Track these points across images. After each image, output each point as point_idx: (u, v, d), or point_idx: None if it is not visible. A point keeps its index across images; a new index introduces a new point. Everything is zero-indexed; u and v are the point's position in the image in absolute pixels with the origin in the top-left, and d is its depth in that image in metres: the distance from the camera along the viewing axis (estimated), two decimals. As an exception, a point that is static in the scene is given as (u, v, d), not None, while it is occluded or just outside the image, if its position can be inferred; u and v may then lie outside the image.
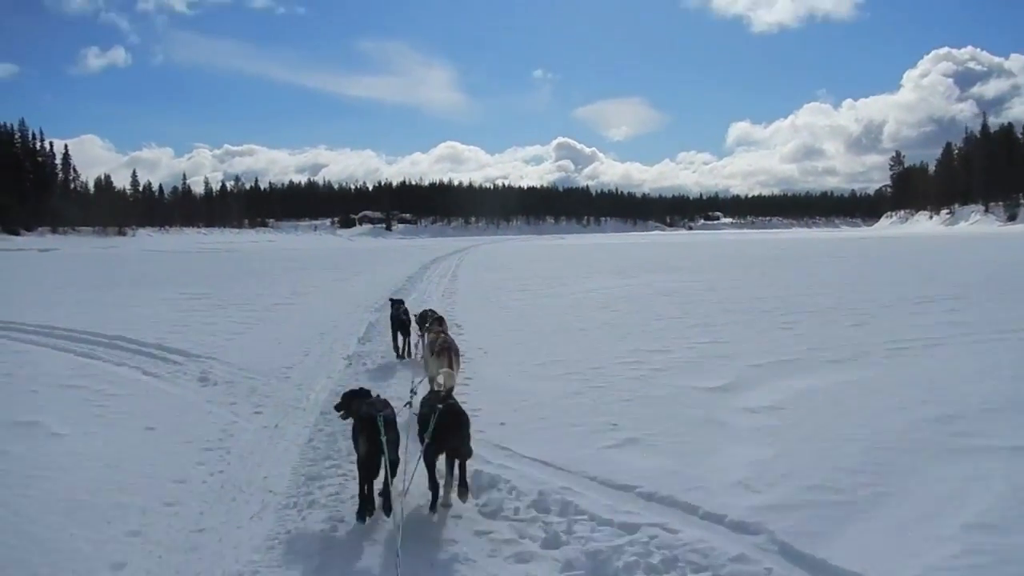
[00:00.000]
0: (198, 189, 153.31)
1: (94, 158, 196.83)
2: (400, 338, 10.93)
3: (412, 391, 5.92)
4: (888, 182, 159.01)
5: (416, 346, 10.56)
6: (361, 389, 5.76)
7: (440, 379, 6.11)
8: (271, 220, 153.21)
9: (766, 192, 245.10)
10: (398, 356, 10.86)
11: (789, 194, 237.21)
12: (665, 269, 28.43)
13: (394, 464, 4.94)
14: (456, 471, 5.15)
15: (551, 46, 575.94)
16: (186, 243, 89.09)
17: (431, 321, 9.73)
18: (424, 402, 5.45)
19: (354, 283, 25.45)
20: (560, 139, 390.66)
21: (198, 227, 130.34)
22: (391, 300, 11.63)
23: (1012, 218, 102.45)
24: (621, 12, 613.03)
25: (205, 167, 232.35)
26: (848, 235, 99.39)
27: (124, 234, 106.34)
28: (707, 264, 31.88)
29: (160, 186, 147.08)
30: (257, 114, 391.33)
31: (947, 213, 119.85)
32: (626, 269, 28.85)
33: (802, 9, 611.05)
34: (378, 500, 5.04)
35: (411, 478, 5.04)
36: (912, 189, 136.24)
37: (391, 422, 5.04)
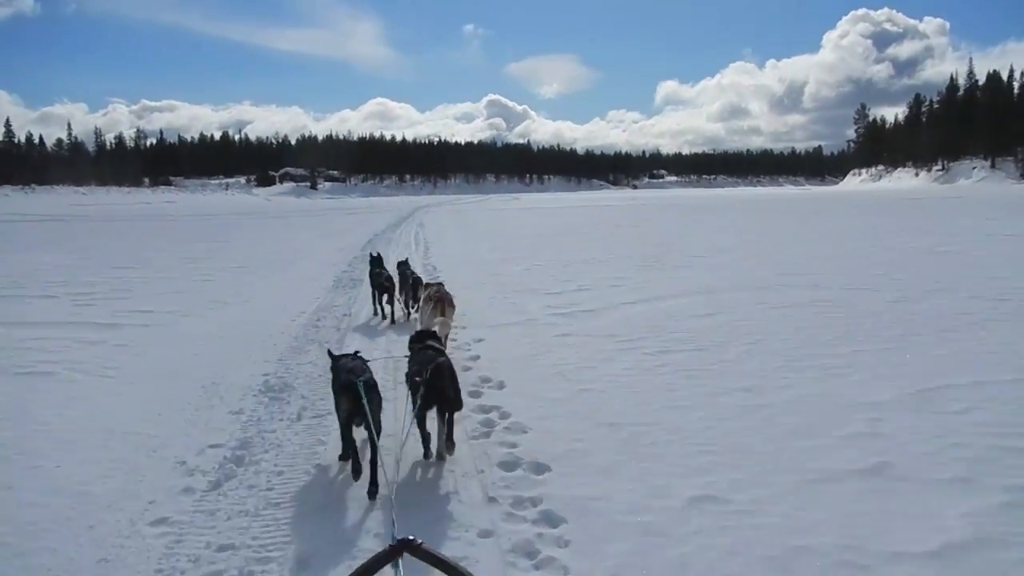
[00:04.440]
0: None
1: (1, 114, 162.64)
2: (383, 301, 9.94)
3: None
4: (817, 142, 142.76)
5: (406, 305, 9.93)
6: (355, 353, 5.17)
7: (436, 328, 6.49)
8: (178, 178, 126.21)
9: (695, 150, 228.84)
10: (383, 317, 9.89)
11: (731, 152, 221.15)
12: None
13: (377, 432, 4.40)
14: (444, 425, 4.80)
15: None
16: (39, 206, 63.83)
17: (411, 283, 9.75)
18: (414, 360, 5.07)
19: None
20: (491, 96, 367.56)
21: (83, 185, 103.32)
22: (371, 256, 10.78)
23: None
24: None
25: (122, 123, 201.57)
26: (884, 189, 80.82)
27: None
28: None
29: (40, 137, 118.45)
30: (177, 68, 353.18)
31: (939, 170, 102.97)
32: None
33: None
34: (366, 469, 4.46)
35: (407, 433, 4.60)
36: (886, 144, 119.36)
37: (372, 387, 4.56)
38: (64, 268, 16.28)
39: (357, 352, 5.18)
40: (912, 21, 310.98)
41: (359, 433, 4.67)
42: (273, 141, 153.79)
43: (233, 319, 10.04)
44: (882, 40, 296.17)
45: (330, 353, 5.22)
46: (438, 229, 28.43)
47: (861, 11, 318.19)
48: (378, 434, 4.41)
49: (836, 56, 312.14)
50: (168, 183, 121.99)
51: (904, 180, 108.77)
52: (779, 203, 51.76)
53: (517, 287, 12.39)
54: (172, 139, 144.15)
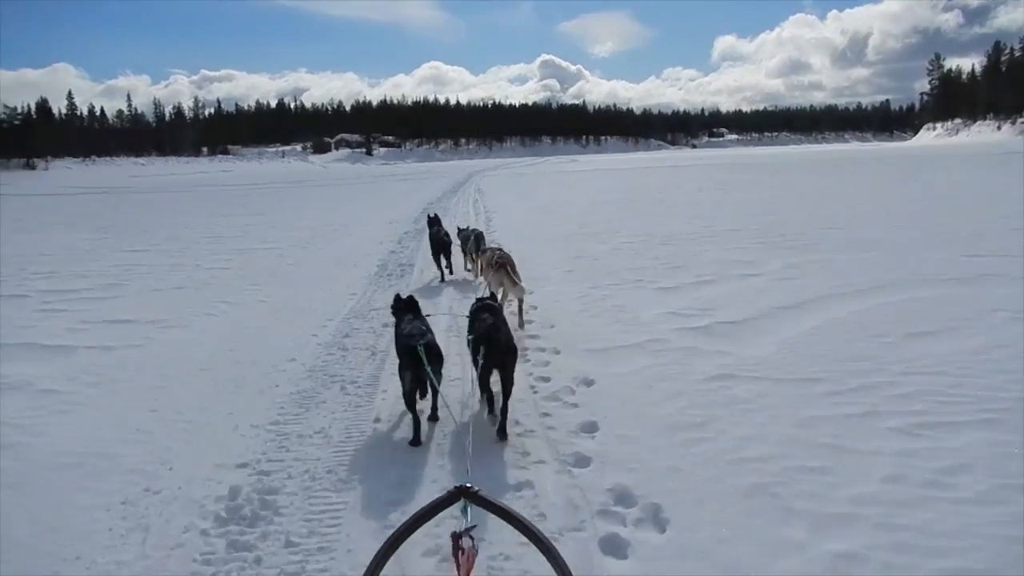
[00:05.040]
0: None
1: (68, 88, 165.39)
2: (442, 259, 9.92)
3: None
4: (882, 96, 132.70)
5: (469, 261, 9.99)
6: (410, 298, 5.25)
7: (511, 294, 7.06)
8: (236, 147, 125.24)
9: (755, 107, 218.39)
10: (442, 279, 9.82)
11: (793, 108, 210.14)
12: None
13: (438, 381, 4.55)
14: (500, 404, 4.59)
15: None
16: (95, 177, 62.89)
17: (473, 239, 9.64)
18: (474, 317, 4.99)
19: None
20: (545, 56, 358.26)
21: (143, 156, 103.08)
22: (428, 217, 10.74)
23: None
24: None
25: (183, 94, 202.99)
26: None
27: (33, 167, 79.54)
28: None
29: (102, 109, 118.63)
30: (234, 37, 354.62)
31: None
32: None
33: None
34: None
35: (476, 391, 4.73)
36: (963, 96, 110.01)
37: (432, 348, 4.58)
38: (69, 251, 13.76)
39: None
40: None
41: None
42: (328, 108, 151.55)
43: (231, 333, 7.12)
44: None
45: (393, 307, 5.19)
46: (499, 196, 25.22)
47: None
48: (439, 383, 4.55)
49: (901, 5, 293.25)
50: (226, 152, 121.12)
51: (985, 134, 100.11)
52: (866, 160, 46.78)
53: (612, 276, 9.20)
54: (230, 108, 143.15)
